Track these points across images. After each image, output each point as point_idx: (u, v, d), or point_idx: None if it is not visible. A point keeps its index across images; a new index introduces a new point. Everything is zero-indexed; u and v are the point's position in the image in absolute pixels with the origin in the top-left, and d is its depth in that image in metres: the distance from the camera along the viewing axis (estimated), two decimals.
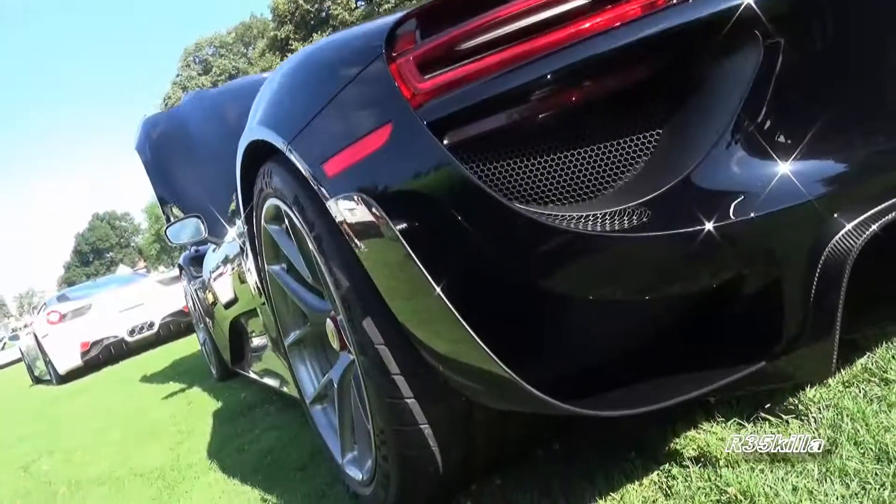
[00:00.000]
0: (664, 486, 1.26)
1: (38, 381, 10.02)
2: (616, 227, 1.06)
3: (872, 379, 1.35)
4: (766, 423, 1.33)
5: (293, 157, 1.37)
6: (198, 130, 4.70)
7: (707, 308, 1.10)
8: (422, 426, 1.32)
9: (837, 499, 1.05)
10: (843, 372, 1.41)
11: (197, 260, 4.48)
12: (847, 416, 1.24)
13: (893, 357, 1.39)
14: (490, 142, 1.13)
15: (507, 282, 1.08)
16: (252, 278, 2.14)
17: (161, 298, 8.97)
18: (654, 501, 1.23)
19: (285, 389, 2.54)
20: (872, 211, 1.02)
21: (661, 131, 1.12)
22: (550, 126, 1.14)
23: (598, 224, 1.08)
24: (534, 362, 1.09)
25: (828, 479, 1.10)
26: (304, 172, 1.34)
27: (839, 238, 1.01)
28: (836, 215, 1.02)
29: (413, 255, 1.07)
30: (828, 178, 1.05)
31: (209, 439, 2.98)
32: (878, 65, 1.08)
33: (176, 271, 8.28)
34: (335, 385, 1.72)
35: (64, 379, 8.48)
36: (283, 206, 1.55)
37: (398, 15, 1.22)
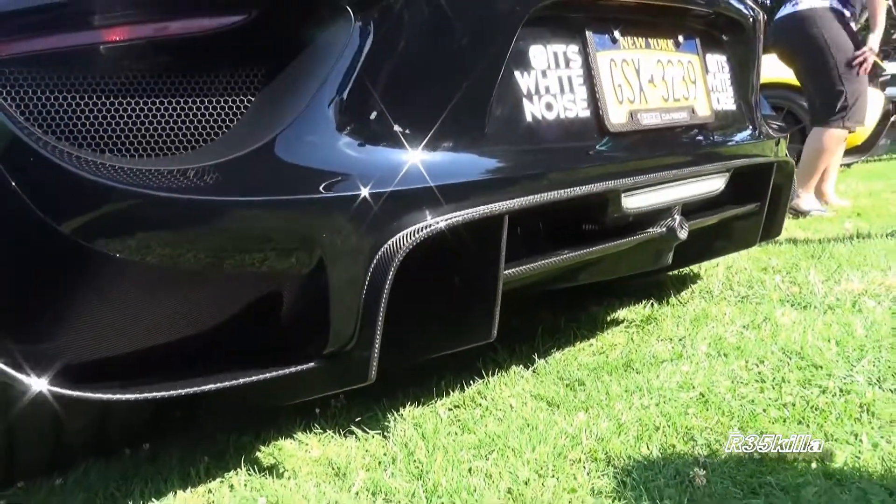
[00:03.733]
0: (212, 494, 1.13)
1: None
2: (171, 185, 0.92)
3: (471, 403, 1.35)
4: (353, 436, 1.26)
5: None
6: None
7: (259, 300, 1.00)
8: None
9: None
10: (452, 394, 1.39)
11: None
12: (420, 433, 1.20)
13: (500, 385, 1.40)
14: (43, 65, 0.94)
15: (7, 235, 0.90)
16: None
17: None
18: None
19: None
20: (433, 218, 0.98)
21: (251, 96, 1.01)
22: (123, 58, 0.98)
23: (152, 180, 0.93)
24: (22, 332, 0.91)
25: (360, 495, 1.03)
26: None
27: (393, 241, 0.96)
28: (394, 215, 0.97)
29: None
30: (403, 174, 0.99)
31: None
32: (471, 87, 1.06)
33: None
34: None
35: None
36: None
37: None
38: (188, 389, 0.91)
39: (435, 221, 0.98)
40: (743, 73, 1.60)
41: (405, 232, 0.97)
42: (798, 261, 2.17)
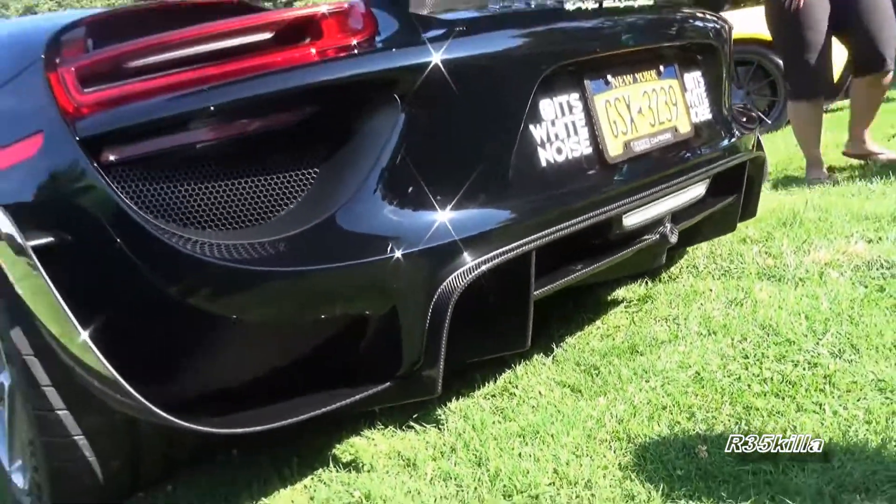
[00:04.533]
0: (311, 490, 1.39)
1: None
2: (260, 258, 1.15)
3: (505, 393, 1.60)
4: (413, 430, 1.52)
5: None
6: None
7: (341, 337, 1.24)
8: (75, 437, 1.31)
9: (435, 500, 1.24)
10: (489, 385, 1.65)
11: None
12: (470, 424, 1.46)
13: (527, 374, 1.66)
14: (149, 164, 1.16)
15: (138, 303, 1.13)
16: None
17: None
18: None
19: None
20: (476, 260, 1.22)
21: (315, 172, 1.23)
22: (214, 154, 1.19)
23: (245, 253, 1.15)
24: (164, 380, 1.14)
25: (435, 482, 1.29)
26: None
27: (448, 282, 1.19)
28: (445, 261, 1.20)
29: (44, 274, 1.07)
30: (447, 229, 1.22)
31: None
32: (497, 146, 1.29)
33: None
34: (6, 388, 1.62)
35: None
36: None
37: (67, 19, 1.20)
38: (304, 416, 1.15)
39: (476, 264, 1.21)
40: (716, 82, 1.82)
41: (455, 275, 1.20)
42: (772, 229, 2.42)
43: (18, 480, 1.59)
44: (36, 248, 1.11)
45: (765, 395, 1.34)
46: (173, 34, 1.16)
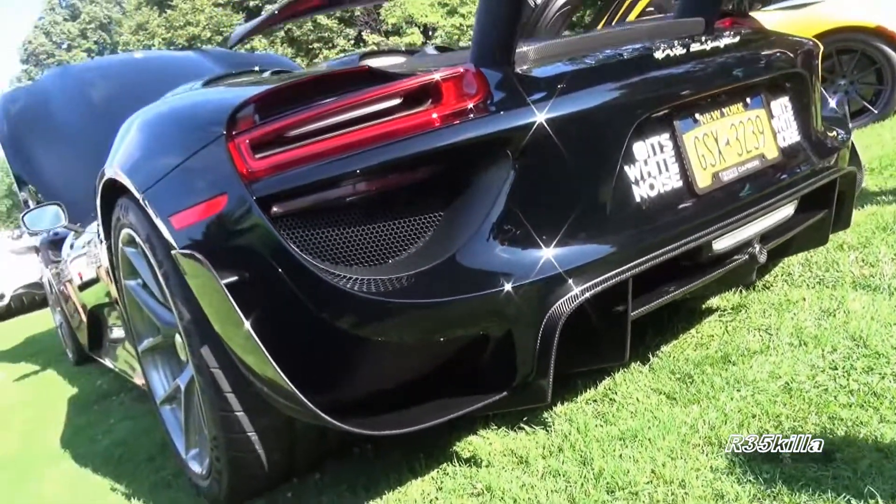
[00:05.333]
0: (438, 482, 1.63)
1: None
2: (396, 291, 1.39)
3: (605, 399, 1.79)
4: (523, 431, 1.73)
5: (146, 206, 1.60)
6: (60, 110, 4.60)
7: (465, 354, 1.46)
8: (249, 434, 1.61)
9: (546, 494, 1.45)
10: (591, 391, 1.84)
11: (55, 243, 4.44)
12: (575, 427, 1.65)
13: (625, 381, 1.83)
14: (310, 215, 1.42)
15: (302, 327, 1.40)
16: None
17: (13, 268, 8.52)
18: (428, 494, 1.59)
19: (140, 382, 2.72)
20: (580, 288, 1.41)
21: (438, 218, 1.46)
22: (359, 205, 1.44)
23: (383, 287, 1.40)
24: (322, 389, 1.41)
25: (546, 478, 1.50)
26: (154, 219, 1.58)
27: (555, 308, 1.39)
28: (553, 291, 1.40)
29: (235, 304, 1.35)
30: (553, 263, 1.42)
31: (62, 428, 3.09)
32: (596, 188, 1.47)
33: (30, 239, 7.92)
34: (182, 390, 1.96)
35: None
36: (138, 239, 1.76)
37: (242, 97, 1.47)
38: (436, 420, 1.39)
39: (579, 292, 1.41)
40: (804, 105, 1.91)
41: (561, 302, 1.40)
42: (871, 234, 2.45)
43: (195, 467, 1.93)
44: (226, 285, 1.39)
45: (850, 406, 1.46)
46: (322, 106, 1.41)
